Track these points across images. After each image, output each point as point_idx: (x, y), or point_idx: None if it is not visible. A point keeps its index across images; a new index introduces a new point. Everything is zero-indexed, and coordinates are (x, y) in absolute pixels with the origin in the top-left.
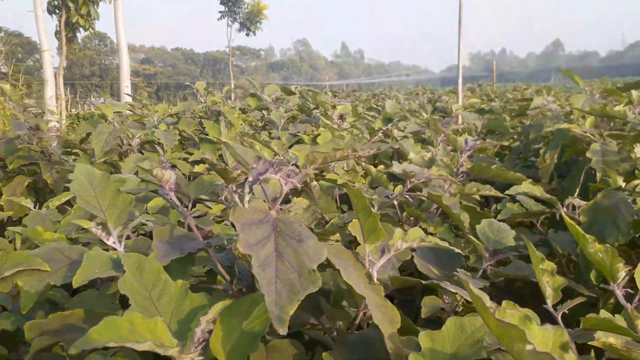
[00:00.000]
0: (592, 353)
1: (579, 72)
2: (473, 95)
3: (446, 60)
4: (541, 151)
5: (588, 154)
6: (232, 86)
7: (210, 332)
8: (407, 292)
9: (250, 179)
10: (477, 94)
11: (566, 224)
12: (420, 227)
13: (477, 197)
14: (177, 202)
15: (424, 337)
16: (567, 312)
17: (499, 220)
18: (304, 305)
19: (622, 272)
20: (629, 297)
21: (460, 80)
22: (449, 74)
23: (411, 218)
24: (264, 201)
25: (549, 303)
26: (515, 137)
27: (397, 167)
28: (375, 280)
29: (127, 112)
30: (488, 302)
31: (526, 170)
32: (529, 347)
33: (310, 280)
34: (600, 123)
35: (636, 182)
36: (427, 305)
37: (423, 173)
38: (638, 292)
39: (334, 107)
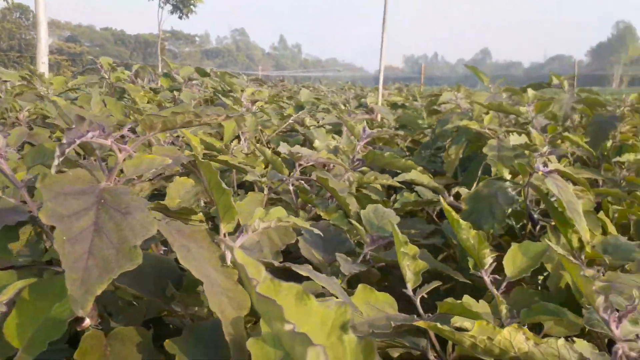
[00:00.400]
0: None
1: (505, 82)
2: (398, 94)
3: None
4: (447, 146)
5: (485, 149)
6: (160, 70)
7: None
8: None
9: (64, 140)
10: (404, 93)
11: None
12: (316, 213)
13: (379, 186)
14: (8, 170)
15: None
16: (425, 296)
17: (394, 209)
18: (154, 290)
19: (489, 258)
20: (497, 283)
21: (381, 78)
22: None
23: (309, 205)
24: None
25: (409, 287)
26: (425, 132)
27: (283, 148)
28: (229, 262)
29: (20, 82)
30: (256, 273)
31: (433, 165)
32: (287, 326)
33: (129, 257)
34: (504, 120)
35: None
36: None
37: (311, 156)
38: (505, 278)
39: (243, 90)
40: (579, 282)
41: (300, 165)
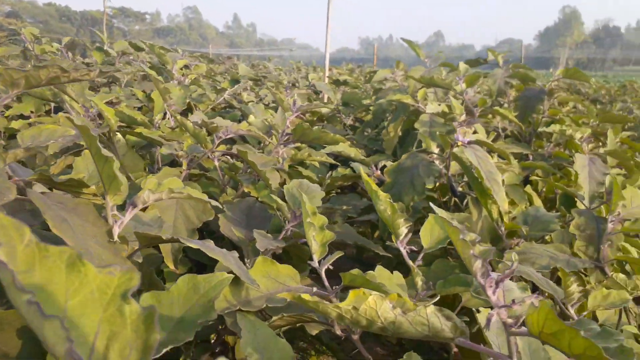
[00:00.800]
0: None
1: (457, 63)
2: (349, 74)
3: (339, 42)
4: (386, 124)
5: (416, 125)
6: (106, 47)
7: None
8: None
9: None
10: (355, 74)
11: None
12: (244, 190)
13: (316, 163)
14: None
15: (147, 298)
16: (331, 267)
17: (327, 185)
18: None
19: (403, 229)
20: (413, 255)
21: (327, 56)
22: (338, 55)
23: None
24: None
25: (315, 259)
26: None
27: (195, 117)
28: (116, 237)
29: None
30: (18, 236)
31: (375, 143)
32: (23, 296)
33: None
34: (443, 97)
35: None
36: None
37: (230, 128)
38: (422, 250)
39: (175, 63)
40: (458, 247)
41: (219, 137)
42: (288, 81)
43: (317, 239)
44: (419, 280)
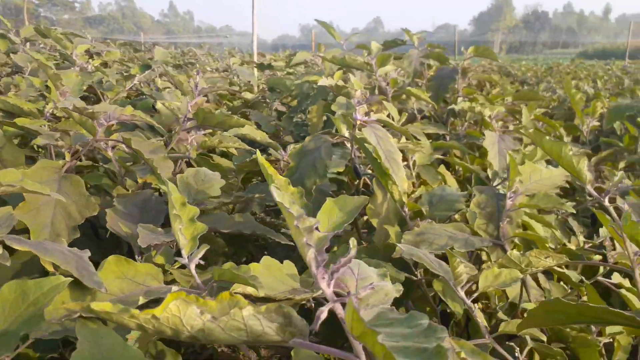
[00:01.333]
0: None
1: (396, 48)
2: (285, 60)
3: (280, 28)
4: (310, 108)
5: (333, 107)
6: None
7: None
8: None
9: None
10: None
11: None
12: (146, 182)
13: (234, 150)
14: None
15: None
16: (202, 261)
17: (237, 171)
18: None
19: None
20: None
21: (254, 40)
22: (279, 42)
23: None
24: None
25: (184, 254)
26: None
27: (67, 102)
28: None
29: None
30: None
31: (302, 129)
32: None
33: None
34: (367, 81)
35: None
36: None
37: (113, 113)
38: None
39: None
40: (292, 234)
41: (101, 124)
42: (218, 67)
43: (185, 232)
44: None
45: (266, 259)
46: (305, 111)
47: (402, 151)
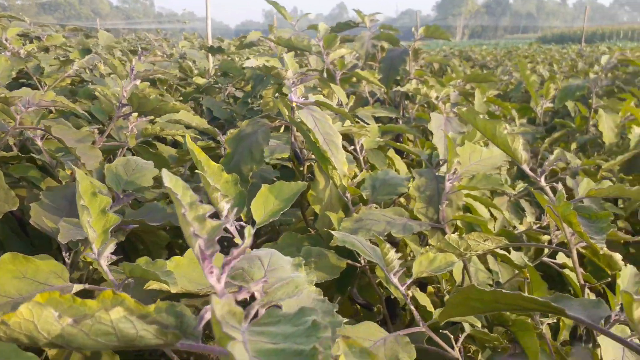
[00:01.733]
0: None
1: (349, 30)
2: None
3: (244, 14)
4: (264, 92)
5: (284, 89)
6: None
7: None
8: None
9: None
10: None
11: None
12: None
13: (180, 138)
14: None
15: None
16: (114, 257)
17: (178, 160)
18: None
19: (223, 203)
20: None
21: (208, 23)
22: (243, 28)
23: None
24: None
25: (95, 249)
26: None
27: None
28: None
29: None
30: None
31: (256, 114)
32: None
33: None
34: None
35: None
36: None
37: (32, 99)
38: (255, 224)
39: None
40: (181, 224)
41: (20, 112)
42: (173, 53)
43: (94, 225)
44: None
45: (191, 252)
46: (259, 96)
47: (347, 135)
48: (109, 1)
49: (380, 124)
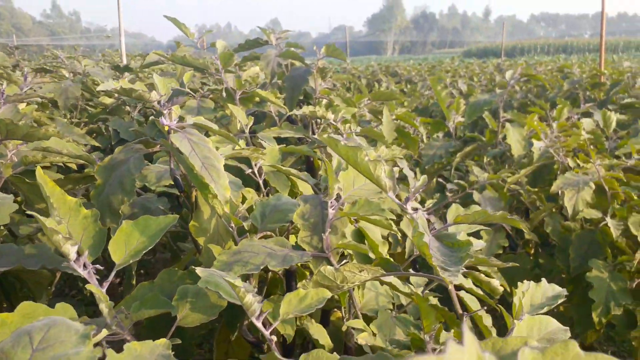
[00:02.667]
0: None
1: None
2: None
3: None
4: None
5: (182, 112)
6: None
7: None
8: None
9: None
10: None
11: None
12: None
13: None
14: None
15: None
16: None
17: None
18: None
19: (67, 246)
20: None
21: (122, 41)
22: (173, 44)
23: None
24: None
25: None
26: None
27: None
28: None
29: None
30: None
31: (164, 135)
32: None
33: None
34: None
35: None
36: None
37: None
38: (115, 266)
39: None
40: None
41: None
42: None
43: None
44: (104, 307)
45: (22, 306)
46: None
47: (240, 159)
48: (31, 16)
49: (284, 145)
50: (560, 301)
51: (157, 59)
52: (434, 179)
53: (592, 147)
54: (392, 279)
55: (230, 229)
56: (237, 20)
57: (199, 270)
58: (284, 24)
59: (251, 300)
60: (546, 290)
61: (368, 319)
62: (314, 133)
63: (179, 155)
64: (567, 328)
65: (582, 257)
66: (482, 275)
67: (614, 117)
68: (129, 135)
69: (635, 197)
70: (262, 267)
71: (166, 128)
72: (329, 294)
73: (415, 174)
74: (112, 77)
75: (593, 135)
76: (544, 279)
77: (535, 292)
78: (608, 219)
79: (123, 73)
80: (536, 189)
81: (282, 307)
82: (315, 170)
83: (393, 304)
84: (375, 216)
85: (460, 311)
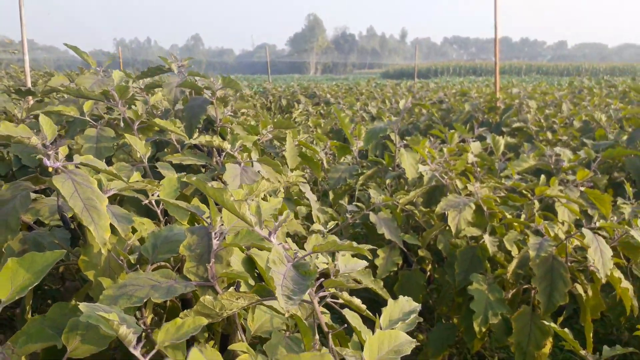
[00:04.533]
0: None
1: (218, 67)
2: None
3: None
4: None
5: (79, 140)
6: None
7: None
8: None
9: None
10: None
11: None
12: None
13: None
14: None
15: None
16: None
17: None
18: None
19: None
20: None
21: (26, 59)
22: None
23: None
24: None
25: None
26: None
27: None
28: None
29: None
30: None
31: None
32: None
33: None
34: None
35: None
36: None
37: None
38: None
39: None
40: None
41: None
42: None
43: None
44: None
45: None
46: None
47: (138, 190)
48: None
49: (184, 173)
50: (413, 316)
51: (59, 83)
52: (346, 199)
53: (479, 169)
54: (275, 302)
55: (120, 262)
56: (157, 35)
57: (81, 306)
58: (205, 40)
59: (126, 331)
60: (403, 306)
61: (263, 341)
62: (218, 161)
63: (62, 196)
64: (414, 340)
65: (466, 271)
66: (345, 294)
67: (502, 141)
68: (32, 161)
69: (509, 216)
70: (145, 300)
71: (50, 169)
72: (205, 322)
73: (328, 195)
74: (8, 100)
75: (480, 159)
76: (401, 297)
77: (393, 309)
78: (485, 236)
79: (24, 97)
80: (428, 209)
81: (159, 336)
82: None
83: (287, 325)
84: (254, 246)
85: (325, 329)
